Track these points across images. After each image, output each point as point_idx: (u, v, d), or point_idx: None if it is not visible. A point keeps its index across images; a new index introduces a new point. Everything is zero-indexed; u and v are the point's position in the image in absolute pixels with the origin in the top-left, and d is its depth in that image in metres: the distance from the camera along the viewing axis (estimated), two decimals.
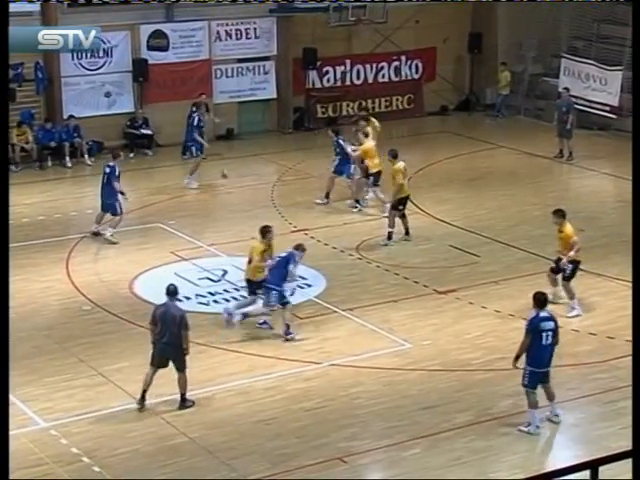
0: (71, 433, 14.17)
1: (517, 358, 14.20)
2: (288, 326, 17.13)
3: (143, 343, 15.66)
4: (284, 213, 23.40)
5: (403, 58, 32.68)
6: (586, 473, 7.91)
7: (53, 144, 27.37)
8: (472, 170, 21.74)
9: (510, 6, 32.03)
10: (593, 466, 7.85)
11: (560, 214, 18.44)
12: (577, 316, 18.03)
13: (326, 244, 21.45)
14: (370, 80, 32.41)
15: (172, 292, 14.93)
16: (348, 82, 32.13)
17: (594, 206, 24.28)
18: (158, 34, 29.06)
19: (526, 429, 14.20)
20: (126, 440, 14.04)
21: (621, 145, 29.03)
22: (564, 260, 18.06)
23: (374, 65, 32.37)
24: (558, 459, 13.65)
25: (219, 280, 19.69)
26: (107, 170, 21.72)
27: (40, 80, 27.73)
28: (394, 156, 21.55)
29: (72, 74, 28.16)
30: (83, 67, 28.29)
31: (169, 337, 14.53)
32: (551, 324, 14.14)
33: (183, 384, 14.76)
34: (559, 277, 18.31)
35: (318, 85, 31.71)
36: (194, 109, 26.52)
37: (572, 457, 13.19)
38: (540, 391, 14.34)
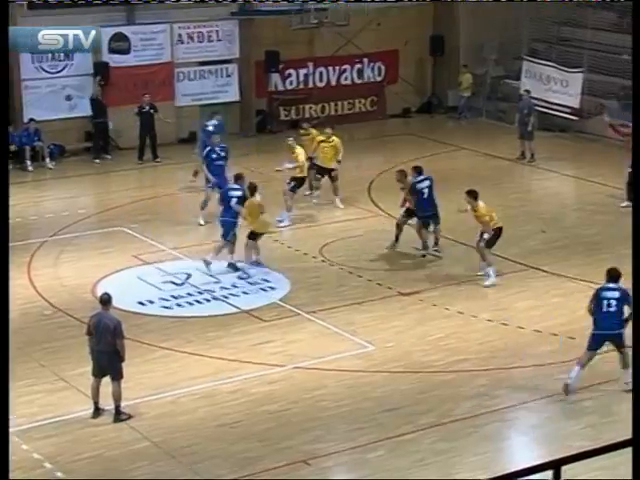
0: (33, 439, 14.09)
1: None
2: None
3: None
4: None
5: (365, 61, 32.75)
6: (549, 473, 7.95)
7: (14, 148, 27.17)
8: (434, 172, 21.76)
9: (471, 9, 32.20)
10: (556, 466, 7.88)
11: (472, 195, 19.06)
12: (492, 285, 18.92)
13: (289, 247, 21.45)
14: (333, 83, 32.46)
15: (105, 301, 14.86)
16: (311, 85, 32.17)
17: (555, 208, 24.43)
18: (119, 37, 28.93)
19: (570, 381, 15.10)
20: (89, 445, 13.96)
21: (582, 147, 29.27)
22: (485, 235, 19.16)
23: (337, 68, 32.42)
24: (521, 459, 13.71)
25: (182, 284, 19.63)
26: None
27: None
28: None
29: (33, 77, 27.96)
30: (44, 70, 28.10)
31: (103, 345, 14.48)
32: (615, 294, 15.11)
33: (117, 396, 14.55)
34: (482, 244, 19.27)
35: (281, 88, 31.72)
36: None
37: (535, 457, 13.25)
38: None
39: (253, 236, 20.12)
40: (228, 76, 30.71)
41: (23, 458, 13.59)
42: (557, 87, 30.52)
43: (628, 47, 29.63)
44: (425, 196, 20.70)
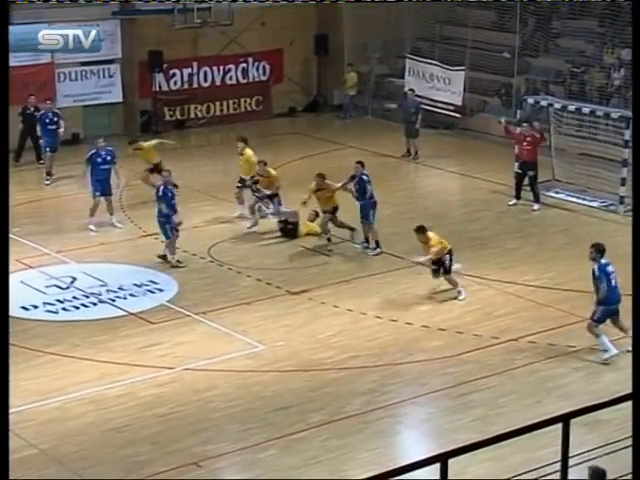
0: None
1: (599, 303, 15.98)
2: None
3: None
4: (133, 217, 23.11)
5: (250, 60, 32.69)
6: (437, 466, 8.02)
7: None
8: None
9: (355, 8, 32.38)
10: (442, 459, 7.95)
11: (422, 231, 18.82)
12: (465, 298, 18.63)
13: (177, 248, 21.26)
14: (218, 82, 32.31)
15: None
16: (195, 84, 31.97)
17: (440, 204, 24.72)
18: None
19: (608, 356, 16.00)
20: None
21: (465, 144, 29.70)
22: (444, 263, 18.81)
23: (221, 67, 32.28)
24: (410, 454, 13.82)
25: (67, 287, 19.31)
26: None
27: None
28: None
29: None
30: None
31: None
32: (612, 267, 16.02)
33: None
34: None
35: (165, 88, 31.45)
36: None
37: (424, 451, 13.37)
38: None
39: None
40: (111, 76, 30.32)
41: None
42: (440, 85, 30.88)
43: (508, 45, 30.26)
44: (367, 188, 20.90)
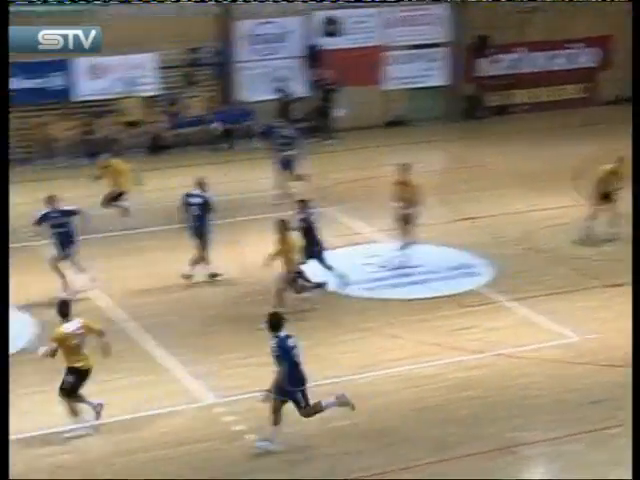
0: (233, 412, 14.42)
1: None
2: None
3: None
4: (454, 201, 23.28)
5: (579, 45, 31.99)
6: None
7: (221, 127, 28.03)
8: None
9: None
10: None
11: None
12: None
13: (489, 233, 21.18)
14: (543, 68, 31.86)
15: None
16: (520, 70, 31.68)
17: None
18: (330, 20, 29.28)
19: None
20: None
21: None
22: None
23: (548, 53, 31.80)
24: None
25: (386, 266, 19.61)
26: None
27: (218, 65, 28.46)
28: None
29: (247, 59, 28.71)
30: (258, 53, 28.77)
31: None
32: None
33: None
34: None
35: (489, 73, 31.37)
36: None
37: None
38: None
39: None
40: (437, 60, 30.61)
41: (222, 429, 13.98)
42: None
43: None
44: None
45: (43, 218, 18.58)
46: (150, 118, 28.64)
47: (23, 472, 12.78)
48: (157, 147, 28.41)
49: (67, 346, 13.65)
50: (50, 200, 18.61)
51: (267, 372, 13.41)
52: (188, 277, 18.94)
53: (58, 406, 13.84)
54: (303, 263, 17.90)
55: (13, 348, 15.13)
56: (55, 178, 25.94)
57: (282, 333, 13.11)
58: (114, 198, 22.22)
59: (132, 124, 28.42)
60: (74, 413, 13.82)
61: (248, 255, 19.82)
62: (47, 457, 13.34)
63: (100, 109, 28.36)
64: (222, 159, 27.10)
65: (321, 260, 18.32)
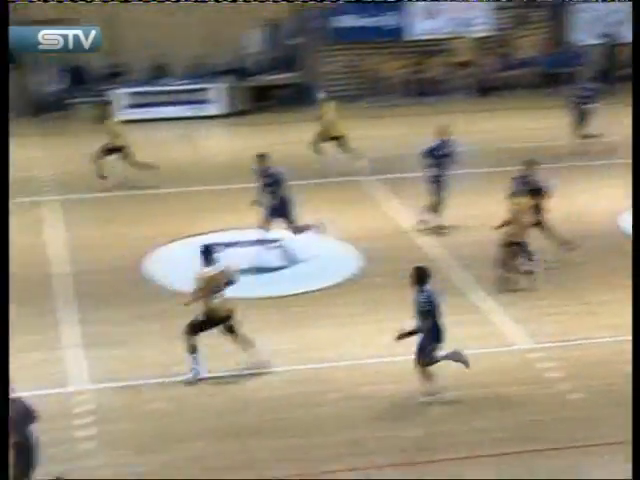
0: (549, 358, 14.39)
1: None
2: None
3: None
4: None
5: None
6: None
7: (552, 70, 27.69)
8: None
9: None
10: None
11: None
12: None
13: None
14: None
15: None
16: None
17: None
18: None
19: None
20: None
21: None
22: None
23: None
24: None
25: None
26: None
27: (552, 6, 28.14)
28: None
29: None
30: None
31: None
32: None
33: None
34: None
35: None
36: None
37: None
38: None
39: None
40: None
41: (535, 375, 13.92)
42: None
43: None
44: None
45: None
46: (480, 59, 28.66)
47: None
48: (486, 89, 28.40)
49: None
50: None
51: (584, 322, 13.11)
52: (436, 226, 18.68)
53: (384, 337, 13.81)
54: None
55: (339, 277, 16.36)
56: (383, 116, 26.46)
57: (429, 286, 12.57)
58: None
59: (462, 65, 28.55)
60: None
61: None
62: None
63: (431, 49, 28.67)
64: (544, 104, 26.59)
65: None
